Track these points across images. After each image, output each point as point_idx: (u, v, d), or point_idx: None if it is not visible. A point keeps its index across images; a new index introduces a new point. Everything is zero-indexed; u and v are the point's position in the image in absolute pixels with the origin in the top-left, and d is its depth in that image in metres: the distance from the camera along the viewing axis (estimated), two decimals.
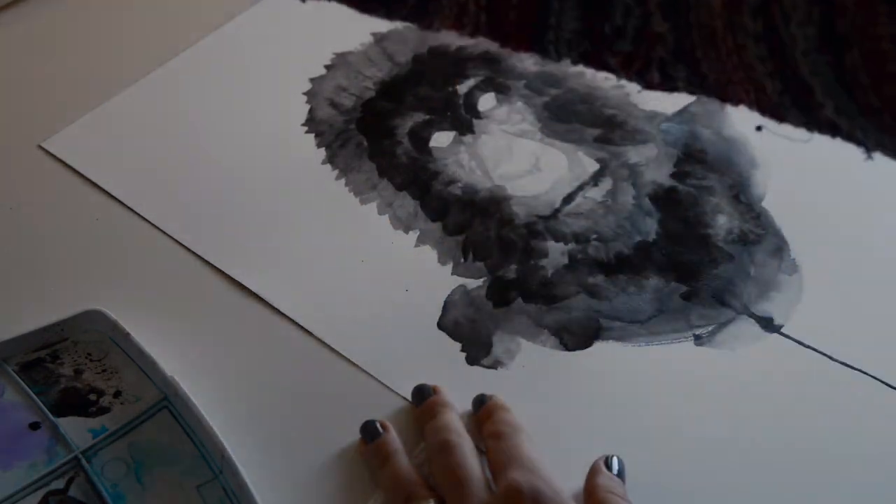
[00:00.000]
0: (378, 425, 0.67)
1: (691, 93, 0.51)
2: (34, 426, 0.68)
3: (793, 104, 0.45)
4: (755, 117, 0.47)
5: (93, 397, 0.70)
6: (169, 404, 0.69)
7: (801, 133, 0.47)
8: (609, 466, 0.64)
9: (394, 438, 0.66)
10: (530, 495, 0.58)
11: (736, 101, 0.48)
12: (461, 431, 0.65)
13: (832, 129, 0.47)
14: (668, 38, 0.46)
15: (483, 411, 0.68)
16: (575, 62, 0.51)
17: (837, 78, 0.42)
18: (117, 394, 0.70)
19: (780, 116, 0.46)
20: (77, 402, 0.69)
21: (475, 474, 0.61)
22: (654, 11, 0.45)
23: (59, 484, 0.65)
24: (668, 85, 0.50)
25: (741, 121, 0.87)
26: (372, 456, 0.66)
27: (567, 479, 0.65)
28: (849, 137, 0.48)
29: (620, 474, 0.65)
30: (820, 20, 0.40)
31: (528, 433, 0.65)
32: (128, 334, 0.71)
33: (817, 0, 0.40)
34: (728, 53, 0.44)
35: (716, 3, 0.43)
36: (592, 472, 0.64)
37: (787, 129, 0.47)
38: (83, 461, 0.66)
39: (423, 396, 0.69)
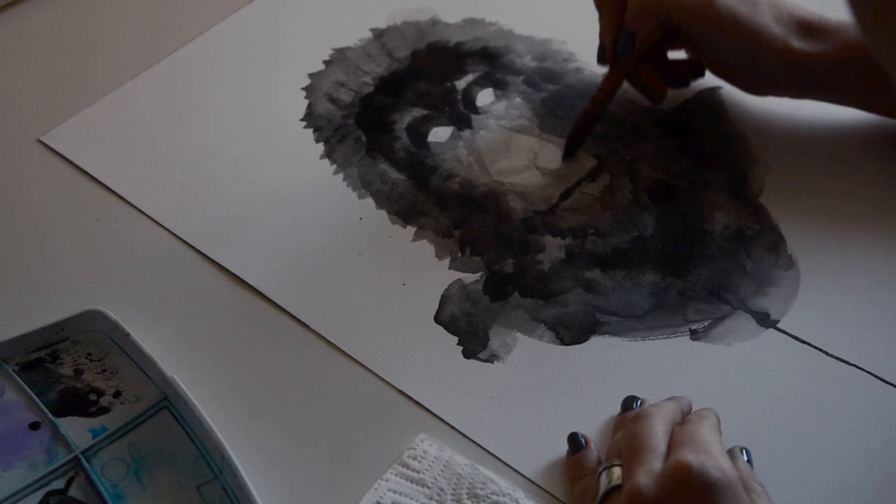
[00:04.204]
0: (581, 440, 0.68)
1: None
2: (34, 426, 0.69)
3: None
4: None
5: (93, 397, 0.70)
6: (169, 404, 0.69)
7: None
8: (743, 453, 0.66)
9: (591, 455, 0.67)
10: (699, 474, 0.57)
11: None
12: (659, 412, 0.65)
13: None
14: None
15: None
16: None
17: None
18: (117, 394, 0.70)
19: None
20: (77, 402, 0.70)
21: (658, 445, 0.61)
22: None
23: (59, 484, 0.66)
24: None
25: (739, 117, 0.88)
26: (570, 467, 0.67)
27: (561, 474, 0.67)
28: None
29: (749, 461, 0.66)
30: None
31: (714, 420, 0.65)
32: (128, 334, 0.71)
33: None
34: None
35: None
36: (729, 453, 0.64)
37: None
38: (83, 461, 0.67)
39: (627, 407, 0.70)
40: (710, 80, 0.89)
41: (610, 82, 0.85)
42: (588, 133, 0.86)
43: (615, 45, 0.83)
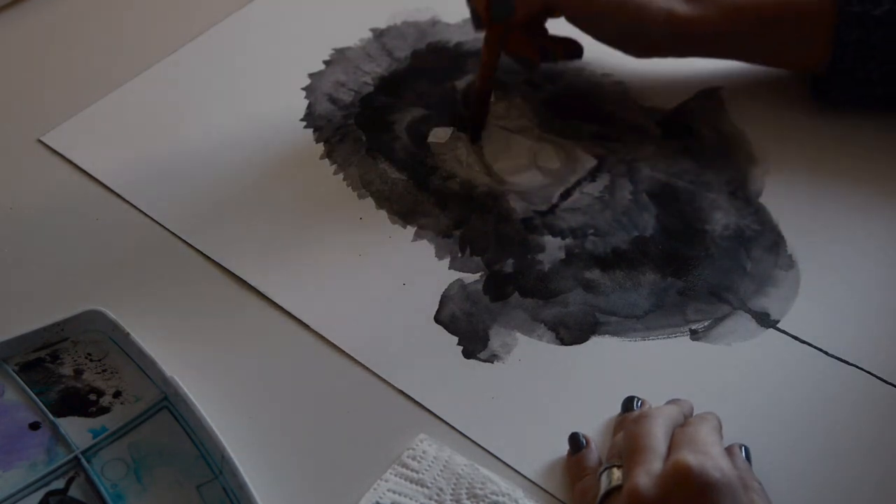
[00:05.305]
0: (582, 440, 0.68)
1: None
2: (34, 426, 0.68)
3: None
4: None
5: (93, 397, 0.70)
6: (169, 404, 0.69)
7: None
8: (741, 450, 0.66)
9: (592, 455, 0.67)
10: (699, 475, 0.57)
11: None
12: (660, 414, 0.65)
13: None
14: None
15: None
16: None
17: None
18: (117, 394, 0.70)
19: None
20: (77, 402, 0.70)
21: (658, 446, 0.61)
22: None
23: (59, 484, 0.66)
24: None
25: (739, 117, 0.88)
26: (570, 467, 0.67)
27: (561, 474, 0.67)
28: None
29: (748, 458, 0.66)
30: None
31: (715, 422, 0.64)
32: (128, 334, 0.71)
33: None
34: None
35: None
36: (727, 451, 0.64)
37: None
38: (83, 461, 0.66)
39: (627, 407, 0.70)
40: (710, 80, 0.89)
41: (489, 52, 0.87)
42: (486, 110, 0.88)
43: (489, 9, 0.84)
